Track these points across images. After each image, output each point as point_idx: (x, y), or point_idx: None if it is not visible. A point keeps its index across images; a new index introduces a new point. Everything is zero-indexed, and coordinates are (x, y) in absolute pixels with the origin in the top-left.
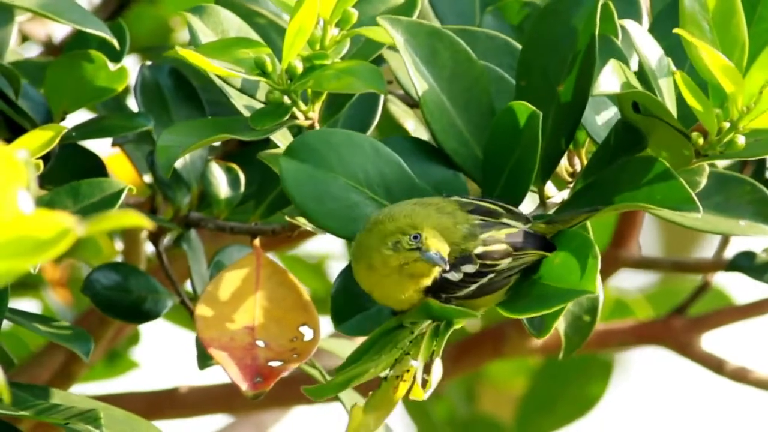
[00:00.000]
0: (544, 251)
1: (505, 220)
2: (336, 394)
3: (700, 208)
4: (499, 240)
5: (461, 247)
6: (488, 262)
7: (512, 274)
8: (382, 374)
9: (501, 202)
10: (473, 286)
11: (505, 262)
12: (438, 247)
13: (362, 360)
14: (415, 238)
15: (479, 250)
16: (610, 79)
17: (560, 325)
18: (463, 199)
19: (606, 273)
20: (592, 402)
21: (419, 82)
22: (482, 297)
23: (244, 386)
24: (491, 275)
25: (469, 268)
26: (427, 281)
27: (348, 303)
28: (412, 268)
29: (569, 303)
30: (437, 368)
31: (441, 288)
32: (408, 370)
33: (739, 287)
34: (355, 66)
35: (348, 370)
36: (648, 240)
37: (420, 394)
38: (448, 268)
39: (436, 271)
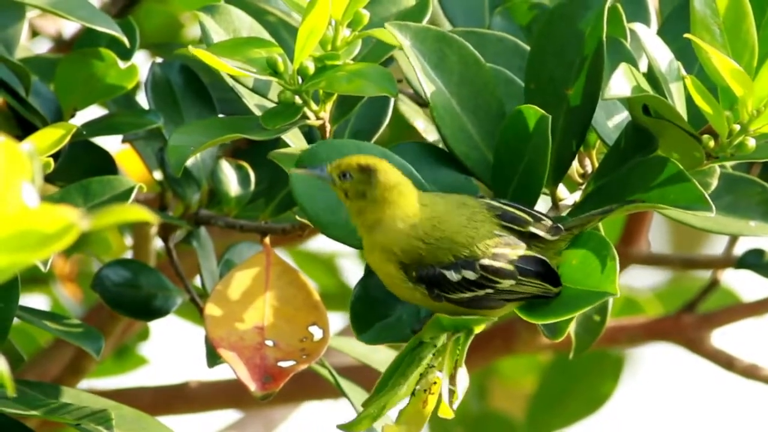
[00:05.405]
0: (550, 284)
1: (531, 229)
2: (371, 425)
3: (713, 207)
4: (509, 259)
5: (469, 250)
6: (490, 276)
7: (511, 298)
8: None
9: (528, 208)
10: (468, 294)
11: (507, 283)
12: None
13: (390, 384)
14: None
15: (486, 261)
16: (620, 82)
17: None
18: (493, 203)
19: None
20: (603, 399)
21: (428, 87)
22: (474, 309)
23: (252, 387)
24: (489, 290)
25: (470, 275)
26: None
27: (367, 312)
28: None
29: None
30: (462, 377)
31: (436, 282)
32: (435, 383)
33: (747, 284)
34: (366, 69)
35: (379, 398)
36: (657, 237)
37: (448, 413)
38: (325, 176)
39: (340, 192)
